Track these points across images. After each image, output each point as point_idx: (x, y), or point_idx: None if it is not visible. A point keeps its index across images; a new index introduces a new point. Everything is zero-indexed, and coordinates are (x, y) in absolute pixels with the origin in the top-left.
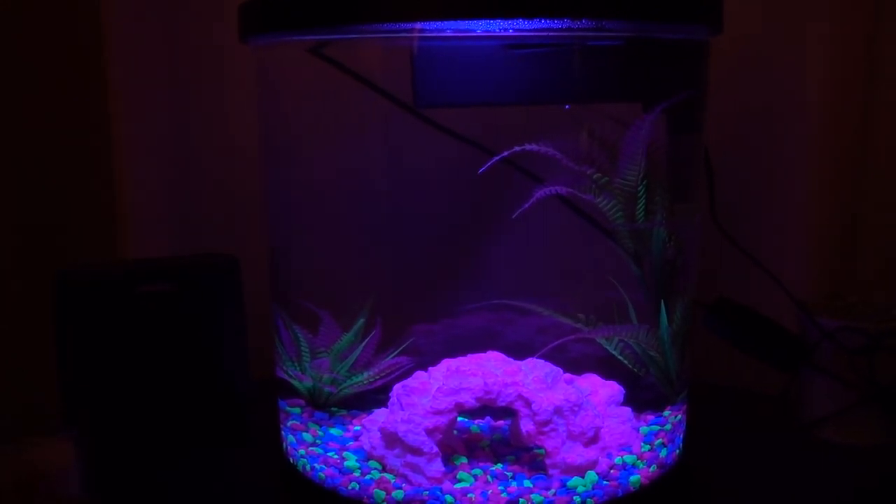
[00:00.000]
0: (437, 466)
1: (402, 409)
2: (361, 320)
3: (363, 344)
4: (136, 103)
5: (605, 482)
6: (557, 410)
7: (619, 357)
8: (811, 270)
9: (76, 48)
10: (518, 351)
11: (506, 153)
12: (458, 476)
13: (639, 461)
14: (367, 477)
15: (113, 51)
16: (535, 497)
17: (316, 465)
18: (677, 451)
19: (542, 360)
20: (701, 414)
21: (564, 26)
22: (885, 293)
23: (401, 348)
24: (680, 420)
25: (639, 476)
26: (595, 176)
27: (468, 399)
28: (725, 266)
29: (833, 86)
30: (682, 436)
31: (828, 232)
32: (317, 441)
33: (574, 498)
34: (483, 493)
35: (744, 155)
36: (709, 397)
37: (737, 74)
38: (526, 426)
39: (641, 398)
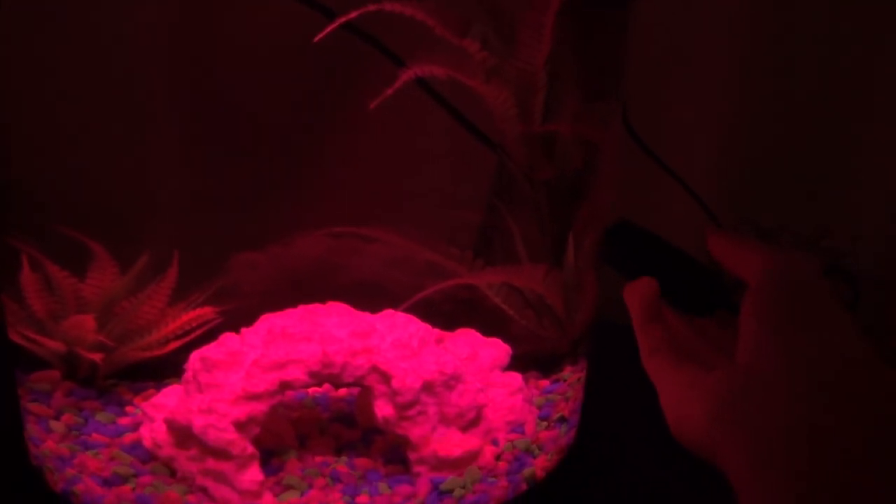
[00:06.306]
0: (254, 474)
1: (202, 392)
2: (147, 254)
3: (150, 288)
4: None
5: (490, 479)
6: (427, 387)
7: (502, 305)
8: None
9: None
10: (367, 294)
11: (354, 14)
12: (284, 484)
13: (533, 446)
14: (147, 491)
15: None
16: None
17: (66, 471)
18: (576, 428)
19: (403, 314)
20: (603, 367)
21: None
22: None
23: (208, 292)
24: (580, 381)
25: (533, 468)
26: (482, 56)
27: (299, 375)
28: (637, 183)
29: None
30: (580, 404)
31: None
32: (72, 433)
33: None
34: None
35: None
36: (611, 343)
37: None
38: (383, 409)
39: (531, 357)
